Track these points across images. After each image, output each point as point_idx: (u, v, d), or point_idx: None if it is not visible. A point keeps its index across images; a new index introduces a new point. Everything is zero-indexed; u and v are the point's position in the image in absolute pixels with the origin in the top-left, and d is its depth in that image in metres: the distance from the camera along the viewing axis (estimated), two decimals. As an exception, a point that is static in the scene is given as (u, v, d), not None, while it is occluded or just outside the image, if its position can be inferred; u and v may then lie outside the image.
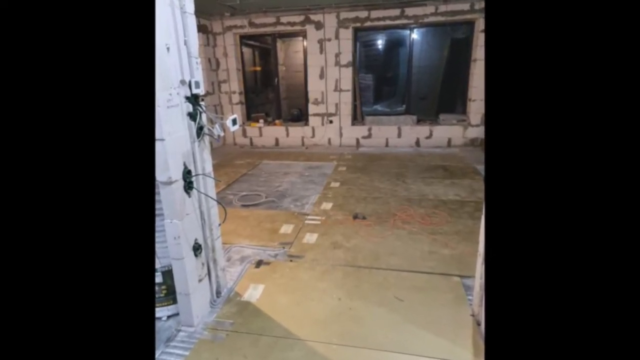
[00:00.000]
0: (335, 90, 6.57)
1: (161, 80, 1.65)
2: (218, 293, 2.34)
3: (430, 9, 5.86)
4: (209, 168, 2.12)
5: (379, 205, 3.84)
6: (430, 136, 6.46)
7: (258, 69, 7.90)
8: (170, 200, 1.82)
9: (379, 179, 4.75)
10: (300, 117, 7.13)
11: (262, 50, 7.74)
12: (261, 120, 7.08)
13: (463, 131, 6.34)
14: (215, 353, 1.90)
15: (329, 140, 6.87)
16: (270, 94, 7.74)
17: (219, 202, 2.23)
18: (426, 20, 5.94)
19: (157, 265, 2.06)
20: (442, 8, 5.81)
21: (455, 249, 2.88)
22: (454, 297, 2.29)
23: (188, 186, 1.91)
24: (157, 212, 1.89)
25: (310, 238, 3.15)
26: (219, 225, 2.28)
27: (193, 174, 1.95)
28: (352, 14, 6.10)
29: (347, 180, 4.77)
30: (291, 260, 2.80)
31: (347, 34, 6.24)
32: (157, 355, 1.90)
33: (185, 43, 1.85)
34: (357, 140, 6.74)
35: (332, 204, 3.94)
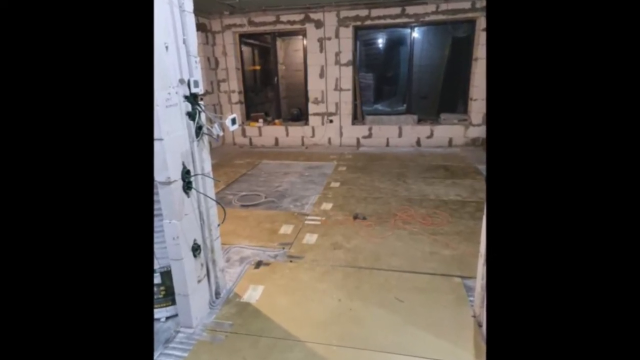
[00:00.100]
0: (336, 89, 6.56)
1: (160, 80, 1.64)
2: (217, 294, 2.33)
3: (431, 8, 5.84)
4: (208, 168, 2.11)
5: (379, 206, 3.83)
6: (431, 136, 6.44)
7: (257, 68, 7.89)
8: (169, 200, 1.81)
9: (380, 179, 4.74)
10: (300, 116, 7.12)
11: (262, 49, 7.72)
12: (261, 120, 7.06)
13: (464, 131, 6.32)
14: (215, 355, 1.89)
15: (329, 139, 6.85)
16: (269, 93, 7.73)
17: (218, 202, 2.22)
18: (427, 18, 5.92)
19: (156, 266, 2.05)
20: (443, 6, 5.80)
21: (457, 250, 2.87)
22: (455, 298, 2.27)
23: (187, 186, 1.90)
24: (155, 212, 1.88)
25: (310, 238, 3.14)
26: (218, 225, 2.27)
27: (192, 174, 1.94)
28: (353, 13, 6.09)
29: (347, 180, 4.76)
30: (291, 261, 2.79)
31: (347, 33, 6.22)
32: (155, 356, 1.89)
33: (184, 42, 1.83)
34: (358, 139, 6.73)
35: (332, 204, 3.93)
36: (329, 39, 6.30)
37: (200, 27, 6.25)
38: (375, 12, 6.03)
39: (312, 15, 6.25)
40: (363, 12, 6.06)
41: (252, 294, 2.38)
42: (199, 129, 1.96)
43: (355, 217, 3.51)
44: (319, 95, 6.66)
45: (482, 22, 5.79)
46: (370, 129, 6.63)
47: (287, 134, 7.00)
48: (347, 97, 6.56)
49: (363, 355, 1.86)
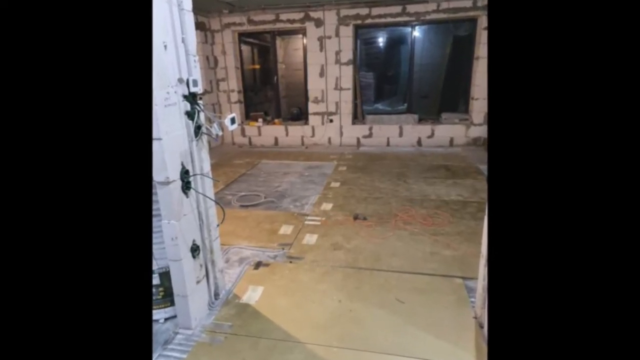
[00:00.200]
0: (336, 88, 6.54)
1: (158, 79, 1.63)
2: (216, 295, 2.32)
3: (432, 6, 5.83)
4: (207, 168, 2.10)
5: (380, 206, 3.82)
6: (432, 135, 6.43)
7: (257, 67, 7.87)
8: (167, 200, 1.80)
9: (380, 179, 4.73)
10: (300, 116, 7.10)
11: (261, 48, 7.71)
12: (260, 119, 7.04)
13: (465, 130, 6.30)
14: (214, 356, 1.88)
15: (329, 139, 6.84)
16: (269, 92, 7.71)
17: (217, 203, 2.21)
18: (428, 17, 5.91)
19: (155, 267, 2.03)
20: (444, 5, 5.78)
21: (458, 250, 2.86)
22: (456, 299, 2.26)
23: (186, 186, 1.89)
24: (154, 212, 1.87)
25: (310, 239, 3.13)
26: (218, 226, 2.26)
27: (191, 173, 1.93)
28: (353, 11, 6.07)
29: (347, 180, 4.75)
30: (291, 262, 2.78)
31: (347, 32, 6.21)
32: (154, 358, 1.88)
33: (183, 41, 1.82)
34: (358, 139, 6.71)
35: (332, 204, 3.91)
36: (329, 37, 6.29)
37: (199, 26, 6.24)
38: (375, 11, 6.01)
39: (312, 14, 6.23)
40: (363, 11, 6.04)
41: (252, 295, 2.37)
42: (197, 128, 1.95)
43: (356, 218, 3.50)
44: (319, 95, 6.64)
45: (483, 21, 5.78)
46: (370, 129, 6.62)
47: (287, 134, 6.99)
48: (348, 97, 6.55)
49: (363, 357, 1.85)
